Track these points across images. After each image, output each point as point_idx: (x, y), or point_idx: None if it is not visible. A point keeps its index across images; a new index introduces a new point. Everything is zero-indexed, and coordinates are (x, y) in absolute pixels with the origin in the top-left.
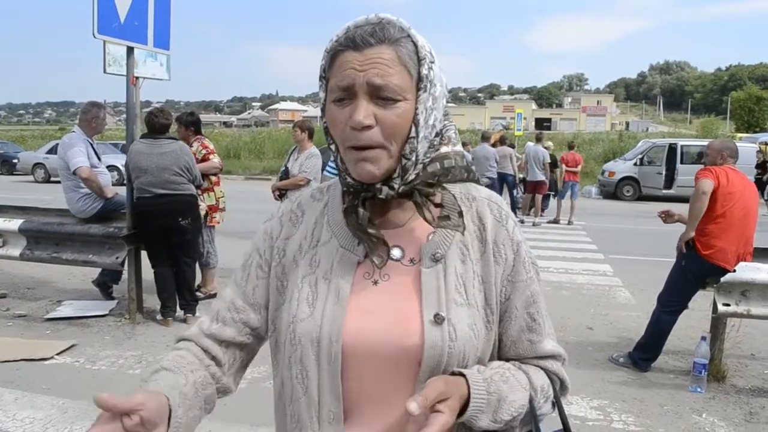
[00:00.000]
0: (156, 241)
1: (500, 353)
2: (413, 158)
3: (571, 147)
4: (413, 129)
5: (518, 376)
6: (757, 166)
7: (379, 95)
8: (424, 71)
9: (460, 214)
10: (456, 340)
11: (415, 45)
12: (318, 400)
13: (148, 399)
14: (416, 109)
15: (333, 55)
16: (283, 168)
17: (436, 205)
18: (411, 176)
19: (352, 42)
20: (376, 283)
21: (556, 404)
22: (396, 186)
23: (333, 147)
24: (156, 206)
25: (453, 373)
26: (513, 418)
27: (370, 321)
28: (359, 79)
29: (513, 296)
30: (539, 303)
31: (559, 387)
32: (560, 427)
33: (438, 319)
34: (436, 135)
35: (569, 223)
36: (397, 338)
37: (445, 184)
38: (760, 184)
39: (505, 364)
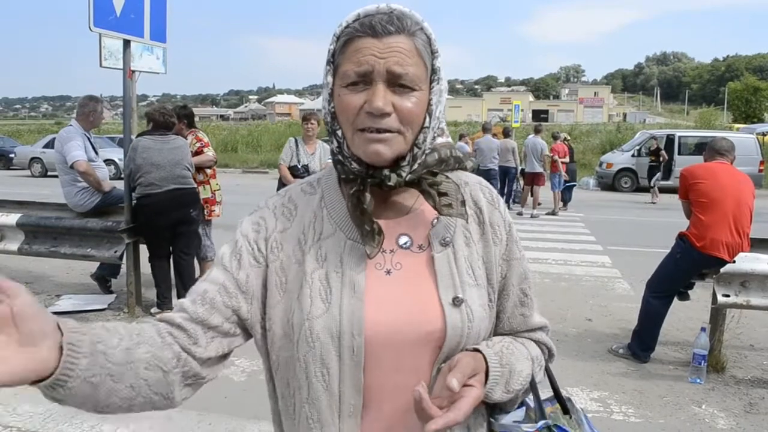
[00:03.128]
0: (160, 234)
1: (496, 329)
2: (424, 147)
3: (555, 137)
4: (427, 119)
5: (520, 348)
6: (651, 153)
7: (397, 83)
8: (438, 64)
9: (463, 203)
10: (473, 321)
11: (429, 38)
12: (339, 395)
13: (26, 299)
14: (430, 99)
15: (347, 41)
16: (296, 164)
17: (440, 194)
18: (415, 165)
19: (371, 28)
20: (389, 272)
21: (547, 373)
22: (404, 174)
23: (339, 133)
24: (167, 201)
25: (467, 350)
26: (522, 387)
27: (390, 311)
28: (379, 65)
29: (509, 274)
30: (529, 279)
31: (548, 355)
32: (550, 394)
33: (457, 302)
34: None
35: (555, 213)
36: (419, 325)
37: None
38: (651, 170)
39: (506, 339)
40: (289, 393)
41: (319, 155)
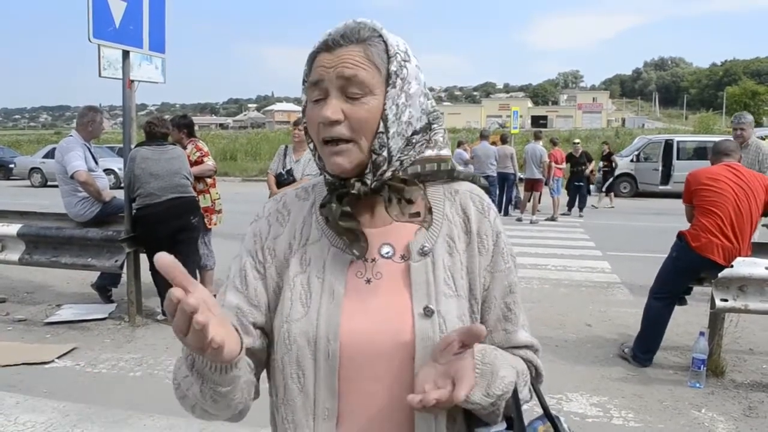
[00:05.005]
0: (160, 244)
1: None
2: (384, 154)
3: (554, 143)
4: (382, 124)
5: (504, 354)
6: (603, 158)
7: (348, 90)
8: (393, 68)
9: (430, 210)
10: (446, 332)
11: (386, 44)
12: (314, 398)
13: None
14: (384, 104)
15: (311, 60)
16: (281, 170)
17: (408, 201)
18: (388, 173)
19: (325, 44)
20: (369, 281)
21: (535, 391)
22: (368, 182)
23: (311, 145)
24: (167, 210)
25: None
26: (503, 393)
27: (365, 319)
28: (328, 74)
29: (492, 286)
30: (516, 294)
31: (535, 375)
32: (540, 414)
33: (428, 312)
34: (415, 133)
35: (554, 218)
36: (393, 334)
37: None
38: (605, 176)
39: (489, 346)
40: (273, 393)
41: (303, 163)
